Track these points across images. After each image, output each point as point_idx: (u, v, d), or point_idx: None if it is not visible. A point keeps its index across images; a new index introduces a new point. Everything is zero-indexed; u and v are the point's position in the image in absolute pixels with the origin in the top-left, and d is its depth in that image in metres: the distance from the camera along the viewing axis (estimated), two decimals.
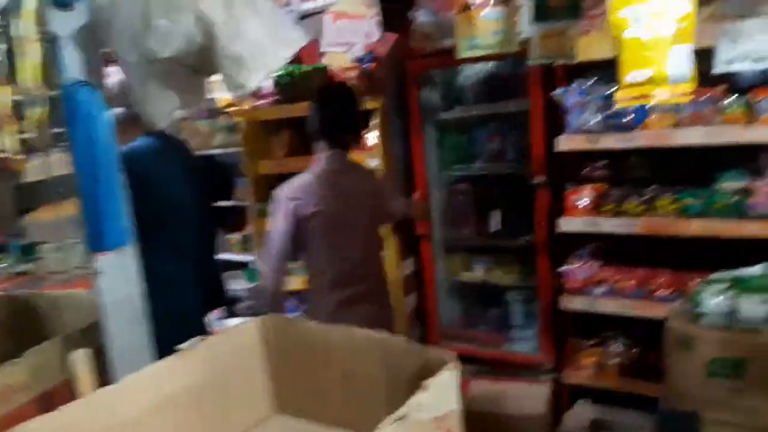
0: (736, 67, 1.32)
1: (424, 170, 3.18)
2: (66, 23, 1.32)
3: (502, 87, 3.12)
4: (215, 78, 2.95)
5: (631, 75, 0.99)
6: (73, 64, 1.30)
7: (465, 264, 3.30)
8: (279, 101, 3.19)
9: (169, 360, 0.97)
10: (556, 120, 2.73)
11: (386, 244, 3.13)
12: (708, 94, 2.40)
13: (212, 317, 2.26)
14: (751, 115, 2.34)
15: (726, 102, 2.38)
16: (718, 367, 2.09)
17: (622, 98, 1.01)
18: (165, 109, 1.49)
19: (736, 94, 2.38)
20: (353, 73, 3.00)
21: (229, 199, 3.33)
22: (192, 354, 0.97)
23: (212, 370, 0.98)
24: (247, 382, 1.01)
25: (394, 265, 3.15)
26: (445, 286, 3.41)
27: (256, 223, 3.55)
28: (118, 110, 2.27)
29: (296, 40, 1.56)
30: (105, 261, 1.30)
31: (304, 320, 1.00)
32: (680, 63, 0.99)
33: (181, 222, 2.34)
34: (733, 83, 2.54)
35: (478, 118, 3.21)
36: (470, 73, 3.23)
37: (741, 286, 2.11)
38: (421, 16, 2.82)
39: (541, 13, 1.50)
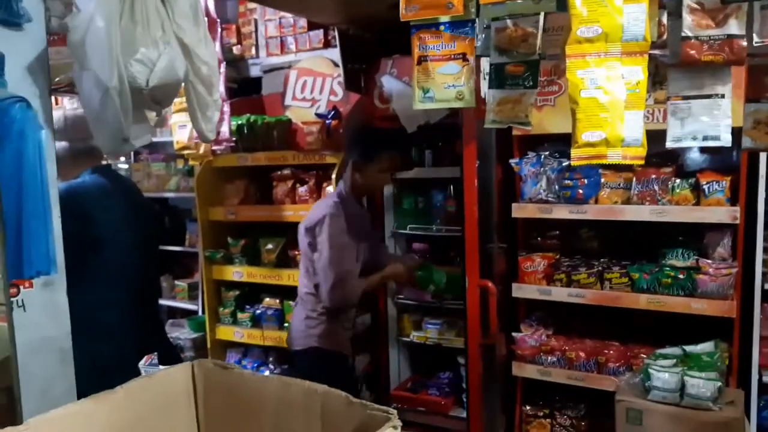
0: (683, 144, 1.36)
1: (381, 227, 3.17)
2: (12, 42, 1.29)
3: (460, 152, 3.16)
4: (176, 119, 2.95)
5: (586, 134, 1.01)
6: (15, 81, 1.26)
7: (417, 324, 3.25)
8: (236, 149, 3.16)
9: (83, 403, 0.88)
10: (512, 187, 2.79)
11: None
12: (657, 175, 2.50)
13: (143, 363, 2.11)
14: (698, 196, 2.43)
15: (675, 182, 2.47)
16: None
17: (577, 157, 1.03)
18: (137, 138, 1.46)
19: (685, 177, 2.49)
20: (315, 128, 3.01)
21: (181, 244, 3.22)
22: (109, 398, 0.89)
23: (132, 417, 0.89)
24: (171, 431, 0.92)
25: None
26: (397, 346, 3.34)
27: (204, 270, 3.44)
28: (63, 144, 2.20)
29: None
30: (30, 294, 1.21)
31: (238, 368, 0.93)
32: (634, 127, 1.02)
33: (119, 265, 2.23)
34: (681, 165, 2.65)
35: (436, 180, 3.25)
36: (430, 135, 3.28)
37: (689, 362, 2.12)
38: (385, 80, 2.89)
39: (499, 80, 1.53)
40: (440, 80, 1.23)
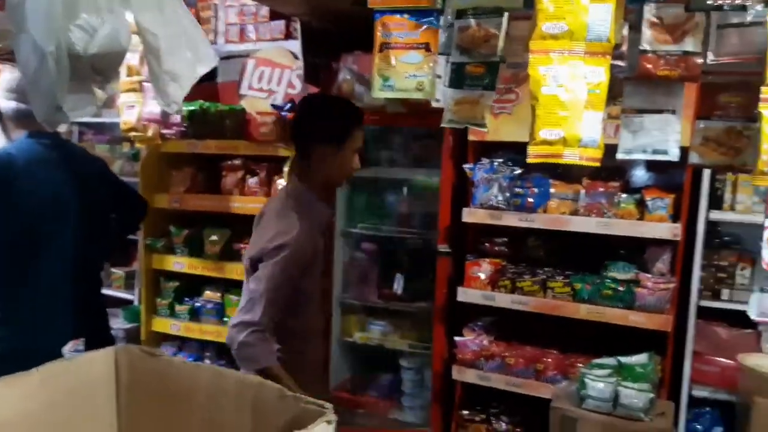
0: (634, 157, 1.38)
1: (331, 224, 3.12)
2: None
3: (416, 154, 3.18)
4: (124, 100, 2.83)
5: (544, 132, 1.00)
6: None
7: (361, 325, 3.22)
8: (186, 135, 3.05)
9: None
10: (464, 192, 2.80)
11: None
12: (605, 188, 2.56)
13: (68, 348, 1.97)
14: (642, 212, 2.50)
15: (621, 197, 2.53)
16: None
17: (534, 154, 1.02)
18: (74, 109, 1.37)
19: (630, 192, 2.55)
20: (269, 119, 2.95)
21: (135, 230, 3.04)
22: (22, 381, 0.81)
23: (47, 402, 0.82)
24: (90, 422, 0.85)
25: None
26: (339, 346, 3.29)
27: (143, 259, 3.31)
28: (12, 104, 2.05)
29: (211, 58, 1.51)
30: None
31: (167, 356, 0.87)
32: (592, 128, 1.02)
33: (53, 243, 2.06)
34: (628, 181, 2.73)
35: (390, 181, 3.23)
36: (386, 136, 3.27)
37: (624, 373, 2.17)
38: (344, 74, 2.85)
39: (458, 79, 1.53)
40: (401, 69, 1.21)
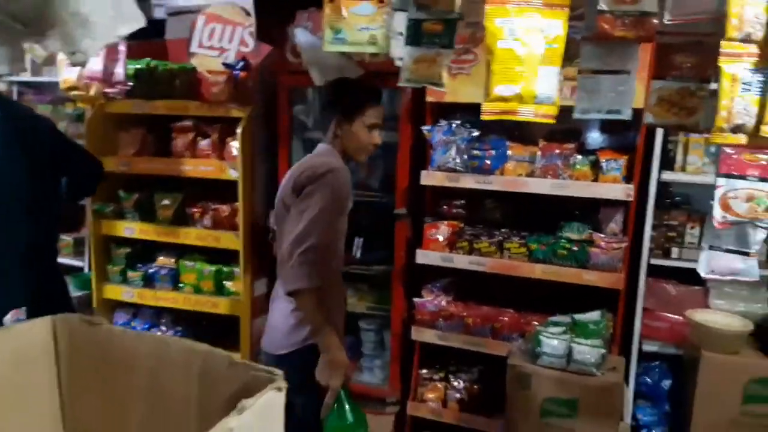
0: (590, 116, 1.38)
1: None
2: None
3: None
4: (64, 56, 2.67)
5: (499, 88, 0.98)
6: None
7: None
8: (133, 94, 2.92)
9: None
10: (422, 155, 2.78)
11: (239, 263, 2.97)
12: (560, 150, 2.57)
13: (9, 318, 1.88)
14: (596, 173, 2.53)
15: (576, 159, 2.55)
16: (552, 406, 2.17)
17: (489, 111, 1.00)
18: None
19: (586, 154, 2.58)
20: (221, 79, 2.84)
21: (90, 194, 2.88)
22: None
23: None
24: (27, 393, 0.81)
25: (245, 283, 2.98)
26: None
27: (92, 225, 3.19)
28: None
29: (137, 19, 1.40)
30: None
31: (108, 325, 0.83)
32: (548, 83, 1.00)
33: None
34: (583, 143, 2.75)
35: None
36: None
37: (577, 330, 2.23)
38: (298, 33, 2.75)
39: (416, 36, 1.48)
40: (353, 21, 1.16)
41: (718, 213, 1.30)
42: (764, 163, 1.25)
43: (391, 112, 2.97)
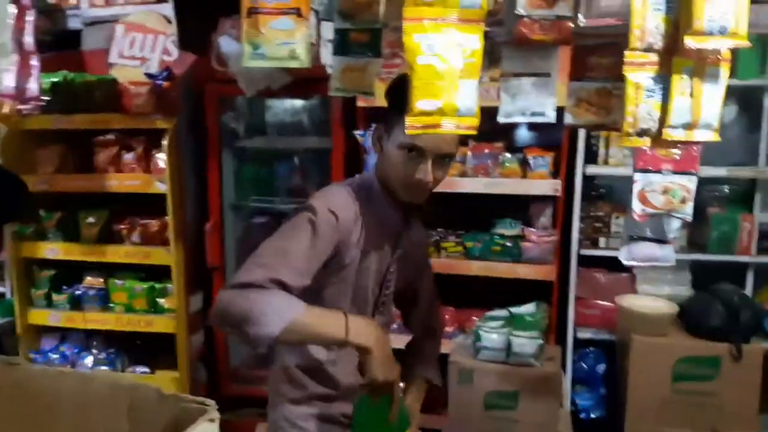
0: (514, 120, 1.41)
1: (218, 199, 2.99)
2: None
3: (307, 123, 3.11)
4: None
5: (421, 103, 0.99)
6: None
7: None
8: (49, 109, 2.78)
9: None
10: (356, 159, 2.78)
11: (172, 276, 2.88)
12: (490, 150, 2.64)
13: None
14: (525, 170, 2.60)
15: (505, 157, 2.63)
16: (495, 399, 2.22)
17: (411, 126, 1.01)
18: None
19: (514, 152, 2.65)
20: (144, 89, 2.75)
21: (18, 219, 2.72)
22: None
23: None
24: None
25: (179, 299, 2.89)
26: None
27: (11, 247, 3.02)
28: None
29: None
30: None
31: (26, 363, 0.78)
32: (468, 96, 1.02)
33: None
34: (511, 141, 2.83)
35: (280, 151, 3.14)
36: (275, 105, 3.16)
37: (515, 323, 2.28)
38: (223, 42, 2.70)
39: (343, 46, 1.49)
40: (272, 36, 1.14)
41: (637, 206, 1.36)
42: (677, 158, 1.32)
43: (324, 118, 2.97)
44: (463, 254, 2.69)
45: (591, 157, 2.69)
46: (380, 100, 2.55)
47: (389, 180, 1.41)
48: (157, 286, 2.99)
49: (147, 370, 3.06)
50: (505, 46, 1.42)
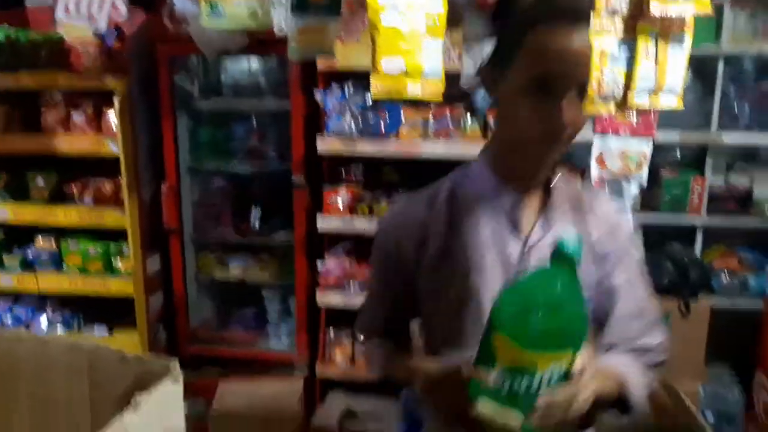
0: (476, 84, 1.41)
1: (174, 161, 2.92)
2: None
3: (265, 83, 3.03)
4: None
5: (385, 61, 0.98)
6: None
7: (220, 262, 3.12)
8: None
9: None
10: (316, 121, 2.75)
11: (128, 238, 2.82)
12: (450, 113, 2.64)
13: None
14: (487, 133, 2.62)
15: (466, 120, 2.64)
16: None
17: (377, 89, 1.00)
18: None
19: (475, 114, 2.66)
20: (92, 49, 2.63)
21: None
22: None
23: None
24: None
25: (136, 260, 2.84)
26: (197, 285, 3.18)
27: None
28: None
29: None
30: None
31: None
32: (433, 58, 1.01)
33: None
34: (471, 104, 2.83)
35: (238, 113, 3.07)
36: (231, 65, 3.07)
37: None
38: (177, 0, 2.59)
39: (301, 6, 1.45)
40: None
41: (595, 170, 1.39)
42: (634, 124, 1.35)
43: (282, 78, 2.90)
44: None
45: None
46: (341, 61, 2.52)
47: (508, 132, 1.05)
48: (113, 247, 2.93)
49: (105, 332, 3.02)
50: (466, 10, 1.40)
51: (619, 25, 1.04)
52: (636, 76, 1.05)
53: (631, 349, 1.11)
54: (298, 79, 2.72)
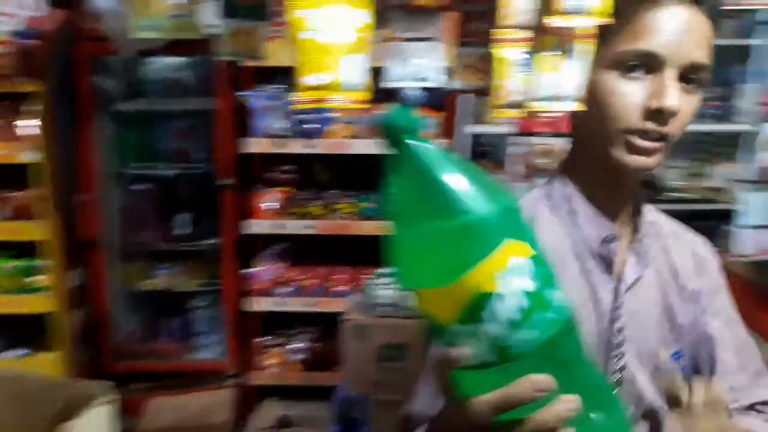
0: (403, 84, 1.44)
1: (95, 167, 2.80)
2: None
3: (190, 83, 2.96)
4: None
5: (308, 78, 0.98)
6: None
7: (146, 271, 3.02)
8: None
9: None
10: (244, 122, 2.71)
11: (46, 252, 2.68)
12: (380, 111, 2.66)
13: None
14: None
15: None
16: (387, 352, 2.32)
17: (300, 101, 1.00)
18: None
19: None
20: (7, 49, 2.48)
21: None
22: None
23: None
24: None
25: (55, 275, 2.70)
26: (121, 298, 3.06)
27: None
28: None
29: None
30: None
31: None
32: (355, 71, 1.02)
33: None
34: (402, 101, 2.86)
35: (163, 114, 2.97)
36: (154, 65, 2.97)
37: None
38: None
39: (231, 9, 1.44)
40: (160, 8, 1.07)
41: (521, 168, 1.45)
42: (554, 121, 1.42)
43: (208, 78, 2.84)
44: (356, 214, 2.73)
45: (476, 117, 2.80)
46: (270, 60, 2.48)
47: (592, 137, 0.88)
48: (29, 263, 2.77)
49: (25, 353, 2.85)
50: (394, 11, 1.43)
51: (521, 35, 1.09)
52: (538, 85, 1.10)
53: (749, 409, 0.93)
54: (224, 78, 2.68)
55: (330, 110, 2.66)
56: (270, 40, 1.95)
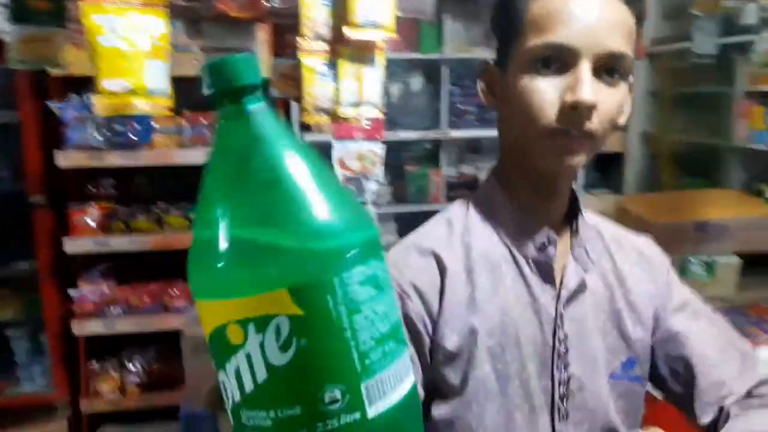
0: (208, 92, 1.46)
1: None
2: None
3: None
4: None
5: (108, 83, 0.97)
6: None
7: None
8: None
9: None
10: (55, 134, 2.51)
11: None
12: (206, 119, 2.63)
13: None
14: None
15: None
16: None
17: (102, 106, 0.98)
18: None
19: None
20: None
21: None
22: None
23: None
24: None
25: None
26: None
27: None
28: None
29: None
30: None
31: None
32: (158, 77, 1.03)
33: None
34: None
35: None
36: None
37: None
38: None
39: (20, 14, 1.35)
40: None
41: (339, 172, 1.53)
42: (367, 128, 1.52)
43: (7, 88, 2.59)
44: (188, 227, 2.66)
45: (307, 126, 2.86)
46: (78, 68, 2.33)
47: (512, 141, 0.83)
48: None
49: None
50: (206, 22, 1.44)
51: (323, 47, 1.18)
52: (341, 92, 1.20)
53: (747, 397, 0.83)
54: (27, 88, 2.46)
55: (146, 119, 2.56)
56: (75, 47, 1.85)
